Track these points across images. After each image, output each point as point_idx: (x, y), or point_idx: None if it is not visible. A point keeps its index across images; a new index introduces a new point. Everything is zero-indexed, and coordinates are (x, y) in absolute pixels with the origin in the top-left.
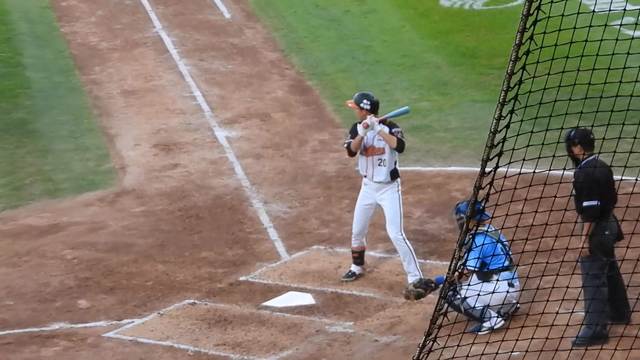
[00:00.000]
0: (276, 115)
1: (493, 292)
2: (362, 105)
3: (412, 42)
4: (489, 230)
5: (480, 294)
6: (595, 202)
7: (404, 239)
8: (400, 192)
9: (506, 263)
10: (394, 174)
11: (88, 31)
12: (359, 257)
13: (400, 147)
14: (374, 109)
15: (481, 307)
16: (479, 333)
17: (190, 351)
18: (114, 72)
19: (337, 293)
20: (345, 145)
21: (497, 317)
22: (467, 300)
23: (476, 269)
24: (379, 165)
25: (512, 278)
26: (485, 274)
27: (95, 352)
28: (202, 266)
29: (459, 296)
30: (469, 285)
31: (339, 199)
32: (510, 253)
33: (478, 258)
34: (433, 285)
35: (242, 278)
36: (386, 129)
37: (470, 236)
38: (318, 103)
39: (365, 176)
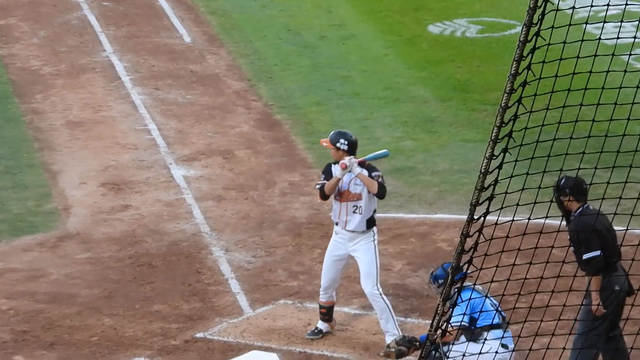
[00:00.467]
0: (241, 152)
1: (480, 353)
2: (338, 145)
3: (396, 73)
4: (476, 286)
5: (466, 354)
6: (597, 253)
7: (381, 295)
8: (376, 242)
9: (496, 320)
10: (371, 223)
11: (29, 54)
12: (327, 313)
13: (381, 193)
14: (352, 149)
15: None
16: None
17: None
18: (58, 101)
19: (306, 353)
20: (318, 187)
21: None
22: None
23: (463, 325)
24: (354, 212)
25: (504, 337)
26: (473, 332)
27: None
28: (154, 321)
29: (444, 358)
30: (453, 344)
31: (309, 248)
32: (501, 310)
33: (464, 314)
34: (417, 344)
35: (199, 335)
36: (365, 172)
37: (456, 290)
38: (288, 140)
39: (337, 224)
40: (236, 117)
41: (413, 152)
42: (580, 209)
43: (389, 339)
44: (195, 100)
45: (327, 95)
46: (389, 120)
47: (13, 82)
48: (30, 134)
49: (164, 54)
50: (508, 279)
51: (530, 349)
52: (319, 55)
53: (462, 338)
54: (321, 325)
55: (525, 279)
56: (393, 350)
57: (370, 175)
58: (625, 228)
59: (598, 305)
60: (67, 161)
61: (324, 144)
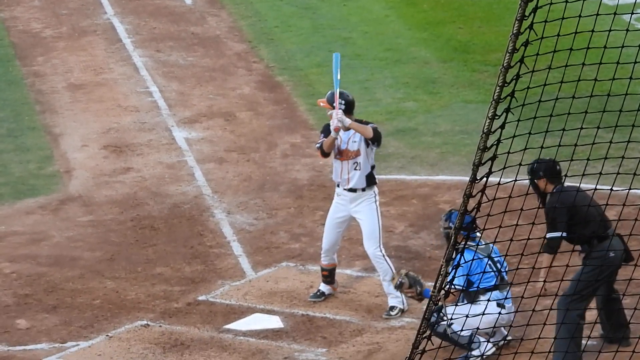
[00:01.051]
0: (242, 114)
1: (483, 314)
2: (335, 104)
3: (397, 34)
4: (479, 245)
5: (468, 316)
6: (559, 234)
7: (384, 256)
8: (378, 203)
9: (495, 282)
10: (370, 179)
11: (30, 17)
12: (329, 276)
13: (376, 137)
14: (350, 108)
15: (468, 333)
16: None
17: None
18: (59, 64)
19: (308, 316)
20: (318, 146)
21: (487, 342)
22: (453, 325)
23: (463, 288)
24: (355, 169)
25: (504, 299)
26: (472, 294)
27: None
28: (157, 283)
29: (443, 321)
30: (455, 306)
31: (311, 210)
32: (504, 270)
33: (465, 275)
34: (419, 289)
35: (201, 297)
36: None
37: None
38: (289, 101)
39: (338, 185)
40: (237, 79)
41: (414, 113)
42: (555, 190)
43: (391, 301)
44: (196, 62)
45: (328, 57)
46: (390, 81)
47: (14, 45)
48: (32, 97)
49: (165, 16)
50: (511, 240)
51: (533, 310)
52: (320, 17)
53: (461, 300)
54: (323, 287)
55: (528, 239)
56: (400, 278)
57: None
58: (628, 188)
59: (544, 282)
60: (69, 124)
61: (322, 104)
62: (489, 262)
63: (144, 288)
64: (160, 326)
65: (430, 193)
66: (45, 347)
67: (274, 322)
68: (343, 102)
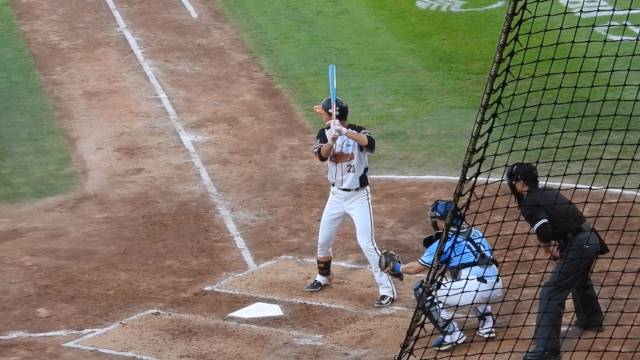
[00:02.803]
0: (244, 119)
1: (463, 291)
2: (331, 111)
3: (387, 45)
4: (461, 229)
5: (449, 294)
6: (544, 221)
7: (375, 249)
8: (370, 201)
9: (475, 259)
10: (363, 180)
11: (49, 29)
12: (324, 268)
13: (371, 144)
14: (343, 114)
15: (449, 316)
16: (440, 348)
17: None
18: (76, 73)
19: (306, 304)
20: (315, 151)
21: (460, 332)
22: (439, 304)
23: (430, 265)
24: (349, 171)
25: (485, 275)
26: (453, 269)
27: None
28: (166, 275)
29: (428, 300)
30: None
31: (308, 207)
32: (486, 250)
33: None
34: (391, 265)
35: (207, 288)
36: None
37: (437, 235)
38: (288, 107)
39: (333, 184)
40: (240, 87)
41: (403, 118)
42: (531, 193)
43: (382, 291)
44: (202, 72)
45: (324, 66)
46: (380, 88)
47: (34, 56)
48: (51, 104)
49: (173, 29)
50: (497, 235)
51: (518, 300)
52: (316, 30)
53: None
54: (320, 278)
55: (514, 234)
56: (380, 258)
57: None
58: (605, 187)
59: (553, 258)
60: (85, 128)
61: (317, 110)
62: (468, 242)
63: (155, 279)
64: (169, 314)
65: (418, 191)
66: (63, 334)
67: (274, 310)
68: (338, 108)
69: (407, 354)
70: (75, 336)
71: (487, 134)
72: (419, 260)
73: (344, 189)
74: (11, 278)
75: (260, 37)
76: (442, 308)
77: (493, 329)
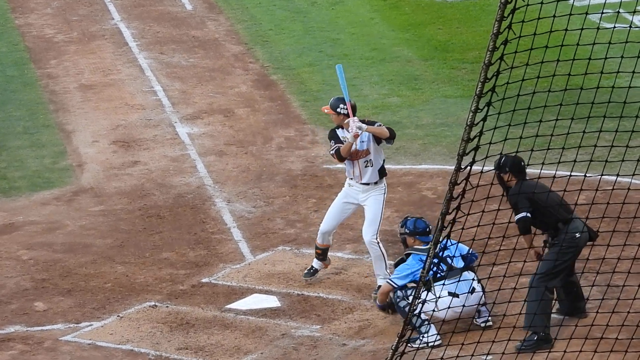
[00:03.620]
0: (240, 110)
1: (436, 303)
2: (339, 110)
3: (382, 35)
4: (423, 247)
5: (427, 302)
6: (524, 214)
7: (378, 243)
8: (385, 195)
9: (440, 274)
10: (382, 173)
11: (43, 23)
12: (322, 254)
13: (392, 136)
14: (354, 112)
15: (423, 318)
16: (414, 345)
17: (151, 355)
18: (71, 66)
19: (303, 295)
20: (332, 152)
21: (436, 334)
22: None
23: (398, 286)
24: (367, 166)
25: (457, 290)
26: (427, 283)
27: (53, 356)
28: (163, 267)
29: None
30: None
31: (305, 198)
32: (455, 263)
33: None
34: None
35: (204, 280)
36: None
37: (407, 256)
38: (283, 98)
39: (351, 178)
40: (235, 78)
41: (398, 108)
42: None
43: (380, 281)
44: (197, 63)
45: (319, 57)
46: (375, 78)
47: (29, 49)
48: (46, 97)
49: (168, 21)
50: (493, 224)
51: (514, 288)
52: (311, 20)
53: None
54: (315, 263)
55: (509, 222)
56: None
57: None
58: (600, 174)
59: (539, 258)
60: (80, 121)
61: (325, 110)
62: (436, 260)
63: (152, 272)
64: (167, 307)
65: (414, 181)
66: (61, 327)
67: (272, 301)
68: (346, 107)
69: (404, 344)
70: (72, 330)
71: (481, 122)
72: (388, 280)
73: (364, 183)
74: (8, 272)
75: (255, 29)
76: (419, 313)
77: (489, 318)
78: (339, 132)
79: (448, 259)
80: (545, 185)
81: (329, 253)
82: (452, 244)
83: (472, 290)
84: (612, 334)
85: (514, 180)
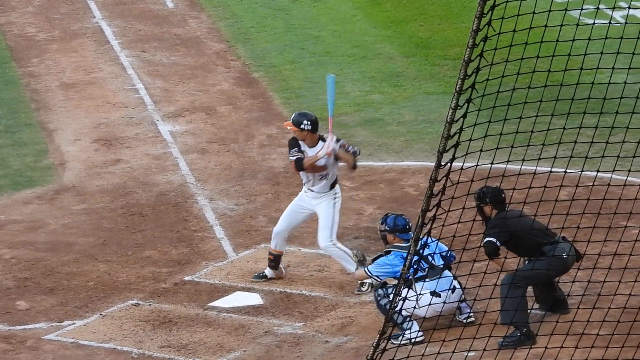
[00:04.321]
0: (222, 108)
1: (417, 301)
2: (302, 126)
3: (364, 32)
4: (404, 245)
5: (408, 300)
6: (491, 239)
7: (334, 244)
8: (337, 201)
9: (421, 274)
10: (333, 184)
11: (25, 21)
12: (273, 261)
13: (355, 167)
14: (315, 128)
15: (404, 315)
16: (396, 341)
17: (133, 353)
18: (53, 64)
19: (286, 293)
20: (293, 158)
21: (419, 331)
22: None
23: (379, 279)
24: (321, 179)
25: (437, 289)
26: (407, 281)
27: (35, 355)
28: (146, 266)
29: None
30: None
31: (287, 196)
32: (436, 261)
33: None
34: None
35: (187, 278)
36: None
37: (386, 252)
38: (265, 96)
39: (305, 184)
40: (217, 76)
41: (381, 105)
42: (499, 215)
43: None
44: (179, 61)
45: (300, 54)
46: (357, 75)
47: (11, 48)
48: (28, 95)
49: (149, 19)
50: (474, 220)
51: (495, 285)
52: (292, 17)
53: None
54: (268, 272)
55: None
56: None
57: (342, 146)
58: (580, 170)
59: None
60: (62, 120)
61: (288, 127)
62: (416, 257)
63: (134, 270)
64: (149, 305)
65: (396, 178)
66: (43, 326)
67: (255, 299)
68: (309, 122)
69: (385, 341)
70: (55, 328)
71: (461, 119)
72: (365, 269)
73: (315, 192)
74: None
75: (236, 26)
76: (400, 310)
77: (472, 314)
78: (301, 142)
79: (429, 257)
80: (528, 218)
81: (311, 251)
82: (432, 241)
83: (453, 289)
84: (594, 330)
85: (495, 211)
